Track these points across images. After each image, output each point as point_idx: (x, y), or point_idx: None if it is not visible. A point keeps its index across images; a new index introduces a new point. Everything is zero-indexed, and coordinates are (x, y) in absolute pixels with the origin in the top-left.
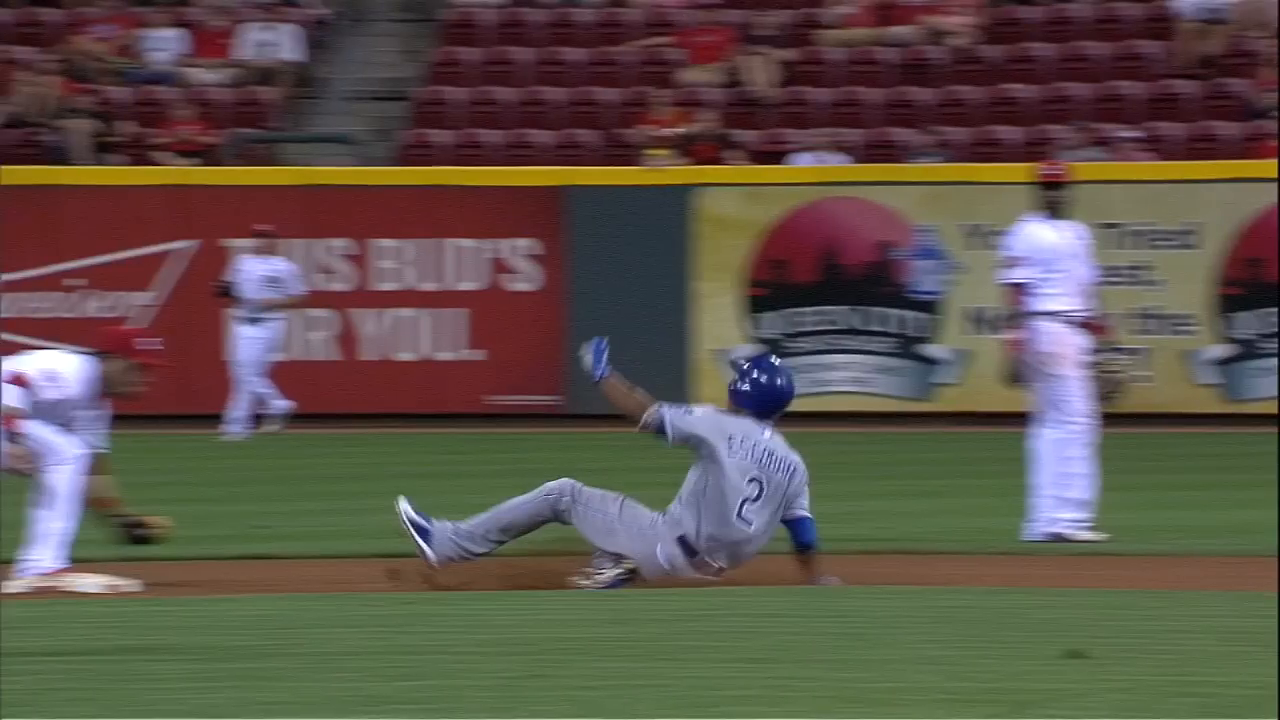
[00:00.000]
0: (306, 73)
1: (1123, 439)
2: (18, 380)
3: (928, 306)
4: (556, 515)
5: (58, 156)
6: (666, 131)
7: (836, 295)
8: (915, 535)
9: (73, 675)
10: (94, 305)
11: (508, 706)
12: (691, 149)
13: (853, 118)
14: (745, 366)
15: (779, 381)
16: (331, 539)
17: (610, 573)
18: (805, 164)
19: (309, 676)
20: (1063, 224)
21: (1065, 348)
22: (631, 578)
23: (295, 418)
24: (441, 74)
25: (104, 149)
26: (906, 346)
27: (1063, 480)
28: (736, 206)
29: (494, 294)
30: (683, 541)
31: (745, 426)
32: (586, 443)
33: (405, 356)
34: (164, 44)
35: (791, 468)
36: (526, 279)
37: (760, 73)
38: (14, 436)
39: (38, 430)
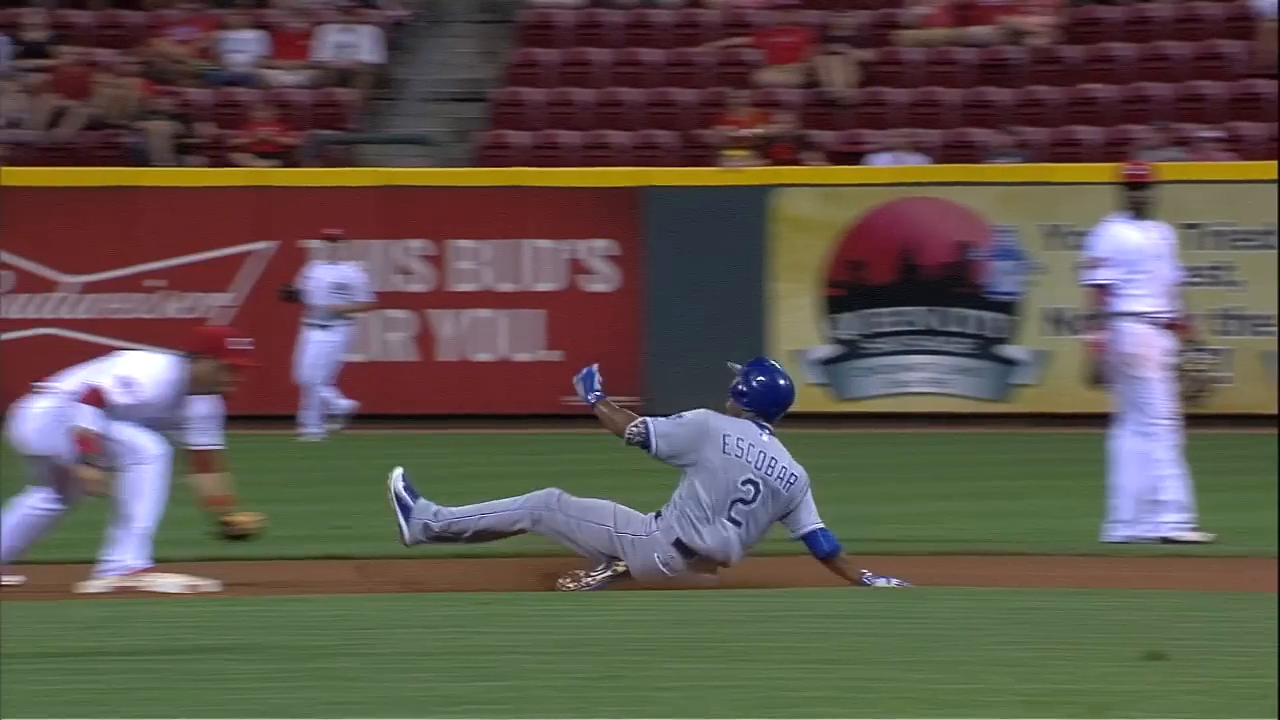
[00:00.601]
0: (385, 74)
1: (1202, 440)
2: (92, 398)
3: (1006, 307)
4: (534, 524)
5: (138, 158)
6: (744, 132)
7: (914, 296)
8: (991, 536)
9: (151, 675)
10: (173, 306)
11: (582, 707)
12: (769, 150)
13: (931, 118)
14: (745, 368)
15: (779, 383)
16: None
17: (601, 575)
18: (883, 164)
19: (385, 676)
20: (1147, 224)
21: (1149, 349)
22: (621, 577)
23: (373, 418)
24: (519, 75)
25: (184, 150)
26: (985, 347)
27: (1152, 483)
28: (814, 207)
29: (571, 295)
30: (679, 544)
31: (744, 428)
32: None
33: (483, 357)
34: (243, 46)
35: (792, 477)
36: (604, 280)
37: (838, 73)
38: (89, 460)
39: (120, 431)
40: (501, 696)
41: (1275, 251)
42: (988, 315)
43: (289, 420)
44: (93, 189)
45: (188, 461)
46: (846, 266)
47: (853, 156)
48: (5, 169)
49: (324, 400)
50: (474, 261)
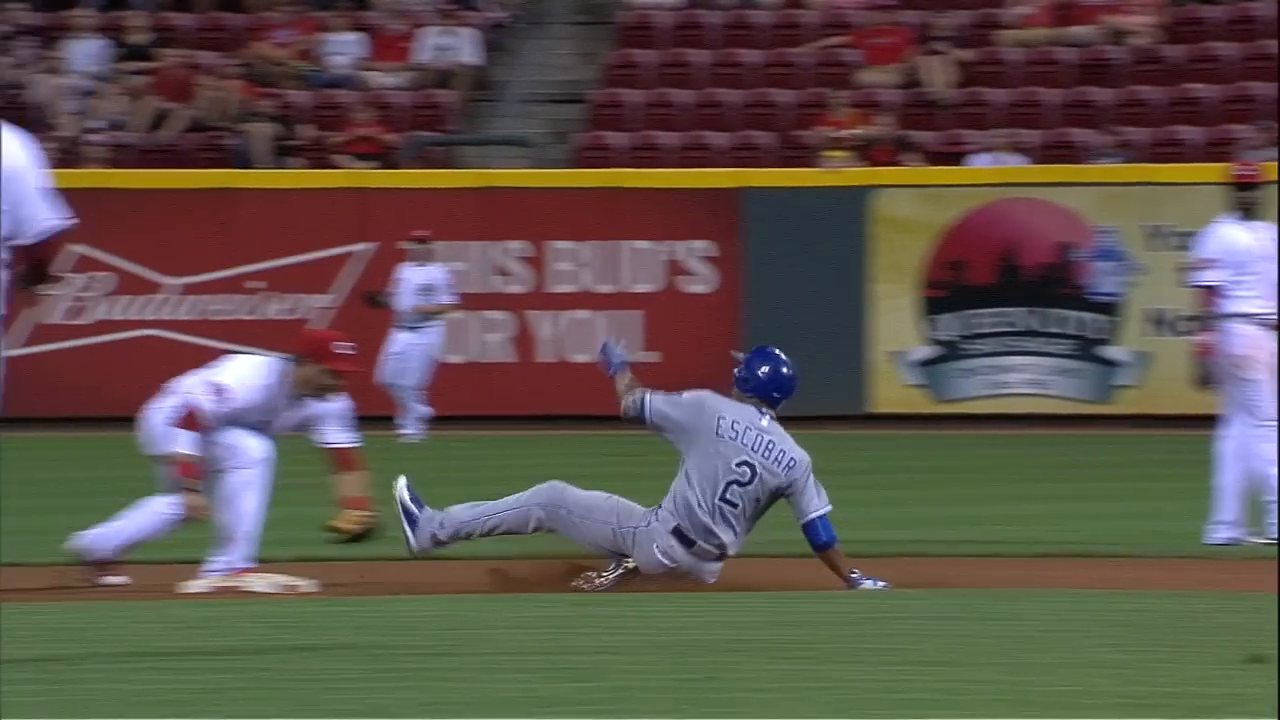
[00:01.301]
0: (484, 76)
1: None
2: (187, 422)
3: (1107, 308)
4: (538, 525)
5: (239, 160)
6: (843, 133)
7: (1014, 297)
8: (1092, 538)
9: (250, 675)
10: (274, 308)
11: (680, 708)
12: (869, 151)
13: (1032, 118)
14: (748, 355)
15: (782, 370)
16: (506, 541)
17: (614, 573)
18: (983, 165)
19: (482, 677)
20: (1256, 225)
21: (1257, 350)
22: (632, 573)
23: (471, 419)
24: (618, 76)
25: (284, 152)
26: (1086, 348)
27: (1264, 485)
28: (913, 208)
29: (669, 296)
30: (678, 533)
31: (743, 411)
32: None
33: (581, 358)
34: (343, 48)
35: (791, 461)
36: (702, 281)
37: (938, 73)
38: (186, 485)
39: (224, 434)
40: (597, 697)
41: None
42: (1088, 316)
43: (387, 422)
44: (194, 191)
45: (326, 461)
46: (946, 267)
47: (952, 157)
48: (108, 171)
49: (405, 403)
50: (572, 263)
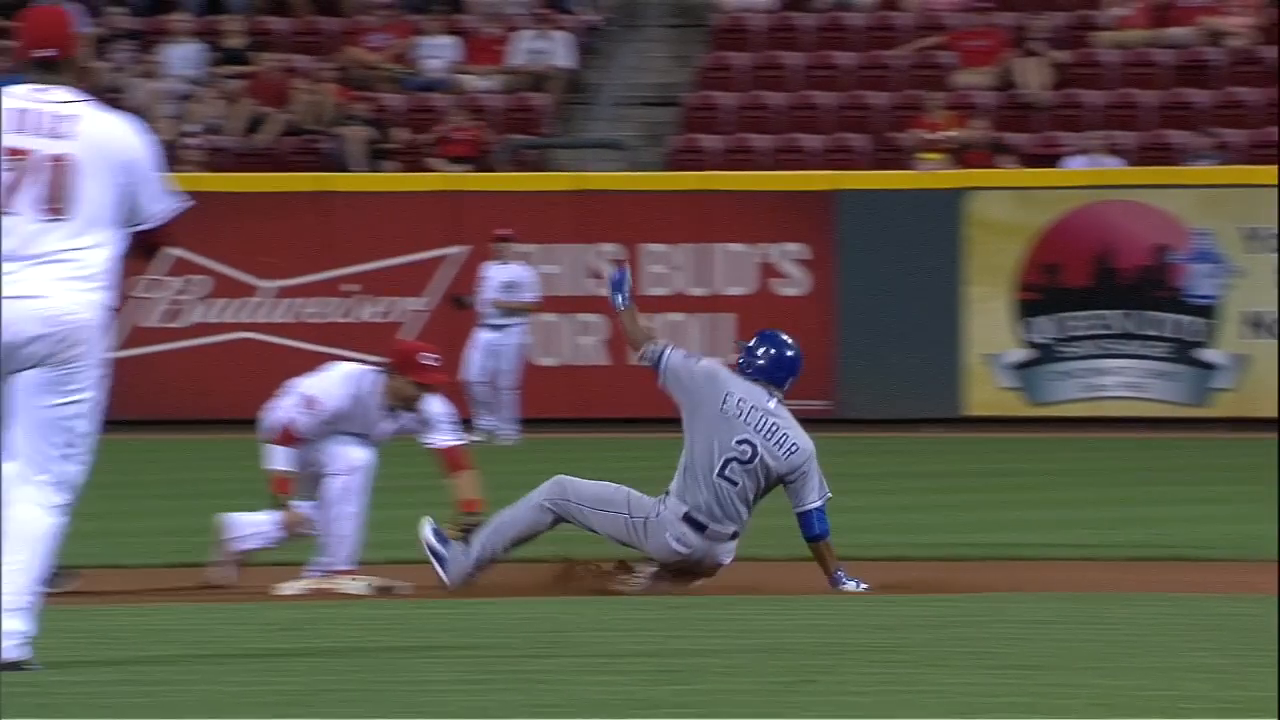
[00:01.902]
0: (578, 78)
1: None
2: (283, 438)
3: (1204, 311)
4: (555, 521)
5: (334, 163)
6: (938, 135)
7: (1110, 299)
8: (1188, 542)
9: (346, 677)
10: (369, 311)
11: (777, 711)
12: (963, 153)
13: (1128, 120)
14: (752, 340)
15: (786, 353)
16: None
17: (647, 575)
18: (1079, 167)
19: (578, 679)
20: None
21: None
22: (664, 574)
23: (565, 422)
24: (712, 79)
25: (379, 156)
26: (1182, 351)
27: None
28: (1008, 210)
29: (762, 298)
30: (689, 519)
31: (750, 390)
32: (857, 447)
33: None
34: (438, 51)
35: (794, 446)
36: (795, 283)
37: (1034, 75)
38: (282, 501)
39: (323, 441)
40: (694, 700)
41: None
42: (1185, 319)
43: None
44: (289, 194)
45: (436, 464)
46: (1041, 270)
47: (1048, 159)
48: (204, 175)
49: (481, 405)
50: (666, 265)
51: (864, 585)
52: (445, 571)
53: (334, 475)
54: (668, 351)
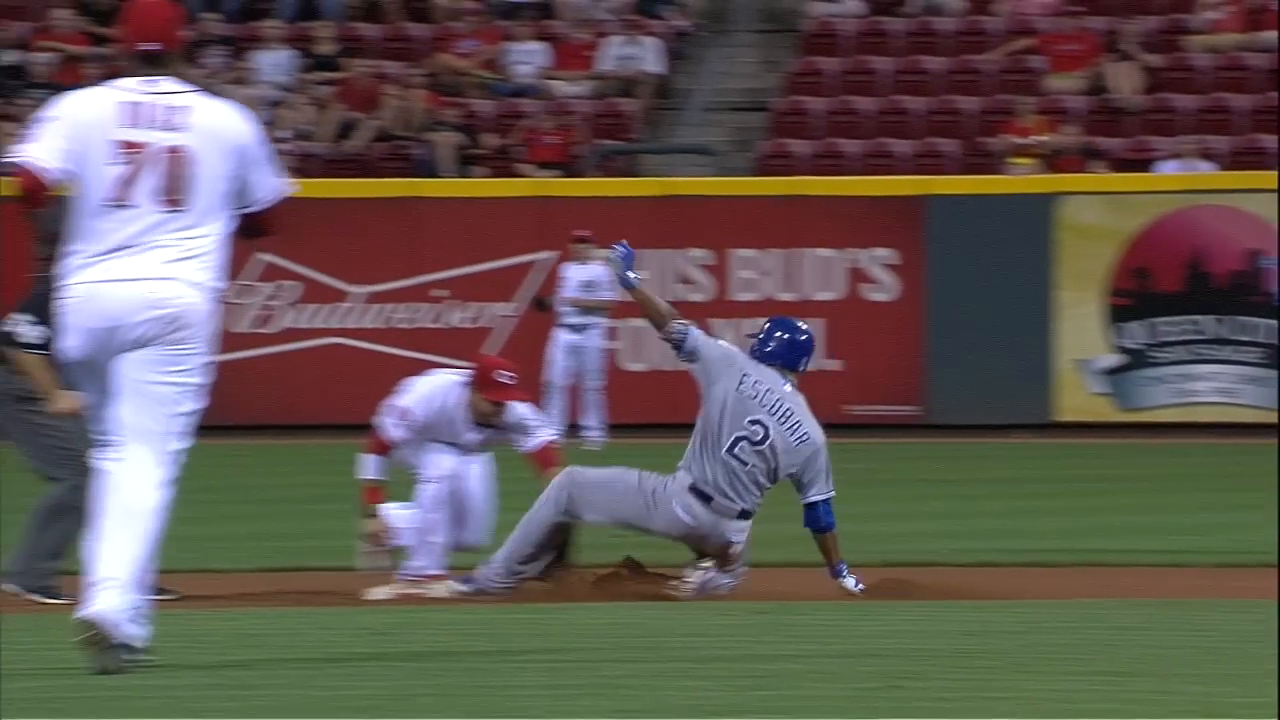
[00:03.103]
0: (667, 84)
1: None
2: (375, 446)
3: None
4: (570, 516)
5: (424, 169)
6: (1029, 140)
7: (1202, 304)
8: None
9: (435, 681)
10: (458, 316)
11: (864, 717)
12: (1054, 158)
13: (1221, 125)
14: (765, 326)
15: (800, 337)
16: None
17: (697, 577)
18: (1171, 172)
19: (662, 684)
20: None
21: None
22: (715, 574)
23: (654, 427)
24: (801, 84)
25: (468, 161)
26: (1274, 356)
27: None
28: (1099, 215)
29: (851, 304)
30: (695, 490)
31: (766, 373)
32: (946, 453)
33: None
34: (528, 57)
35: (805, 435)
36: (884, 289)
37: (1125, 79)
38: (369, 511)
39: (415, 450)
40: (779, 705)
41: None
42: (1277, 324)
43: (574, 429)
44: (379, 200)
45: (531, 466)
46: (1132, 275)
47: (1140, 164)
48: (294, 181)
49: (553, 406)
50: (755, 271)
51: (861, 586)
52: (468, 585)
53: (425, 482)
54: (692, 330)
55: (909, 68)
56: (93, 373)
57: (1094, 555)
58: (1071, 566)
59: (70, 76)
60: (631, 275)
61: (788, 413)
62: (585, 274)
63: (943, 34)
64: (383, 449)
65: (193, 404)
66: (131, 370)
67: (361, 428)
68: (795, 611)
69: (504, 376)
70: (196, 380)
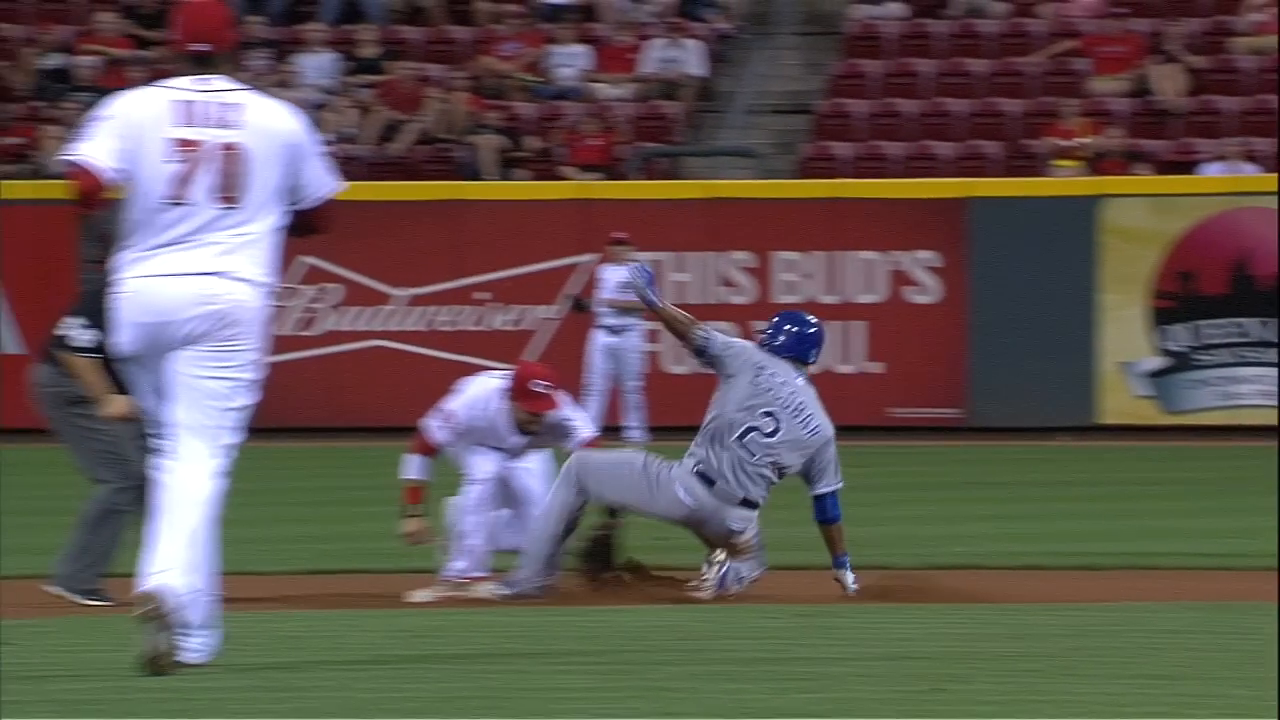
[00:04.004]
0: (709, 86)
1: None
2: (419, 446)
3: None
4: (582, 497)
5: (466, 172)
6: (1072, 142)
7: (1247, 306)
8: None
9: (479, 683)
10: (500, 319)
11: (908, 718)
12: (1098, 161)
13: (1265, 126)
14: (774, 320)
15: (809, 330)
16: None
17: (715, 573)
18: (1215, 174)
19: (705, 686)
20: None
21: None
22: (730, 566)
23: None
24: (844, 86)
25: (510, 164)
26: None
27: None
28: (1143, 217)
29: (894, 306)
30: (699, 474)
31: (780, 366)
32: (989, 456)
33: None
34: (570, 60)
35: (816, 428)
36: (927, 291)
37: (1169, 82)
38: (410, 511)
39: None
40: (822, 709)
41: None
42: None
43: (612, 431)
44: (421, 203)
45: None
46: (1177, 277)
47: (1184, 166)
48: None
49: (597, 408)
50: (797, 273)
51: (856, 586)
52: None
53: (468, 484)
54: (713, 336)
55: (952, 70)
56: (145, 369)
57: (1138, 559)
58: (1116, 570)
59: (114, 80)
60: (653, 296)
61: (800, 406)
62: (622, 275)
63: (986, 36)
64: (426, 450)
65: (245, 399)
66: (183, 366)
67: (403, 430)
68: (838, 614)
69: (539, 386)
70: (249, 375)
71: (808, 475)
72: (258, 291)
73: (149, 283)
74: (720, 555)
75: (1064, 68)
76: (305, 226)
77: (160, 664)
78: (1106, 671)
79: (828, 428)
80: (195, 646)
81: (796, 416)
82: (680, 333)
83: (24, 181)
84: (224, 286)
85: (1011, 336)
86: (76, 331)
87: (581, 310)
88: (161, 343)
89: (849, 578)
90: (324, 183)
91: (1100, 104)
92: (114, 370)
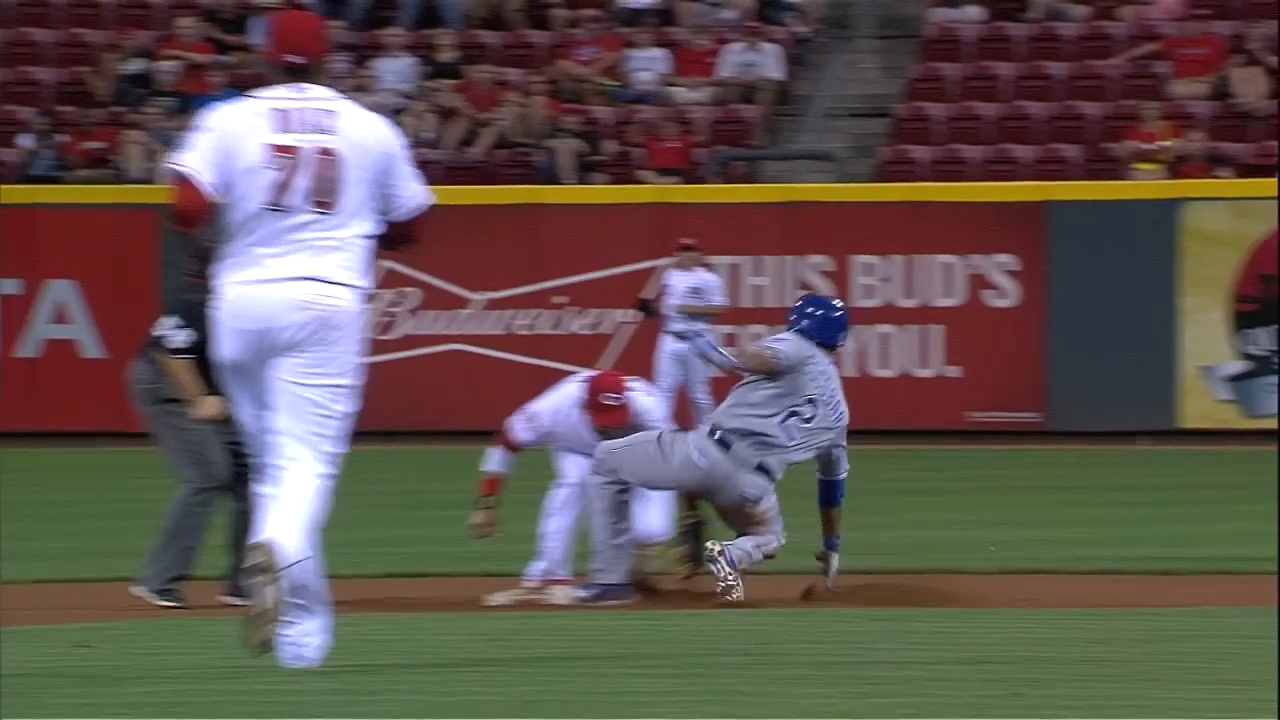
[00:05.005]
0: (788, 90)
1: None
2: (503, 440)
3: None
4: (618, 484)
5: (544, 176)
6: (1153, 146)
7: None
8: None
9: (557, 687)
10: (578, 323)
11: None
12: (1179, 164)
13: None
14: (799, 305)
15: (834, 314)
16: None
17: (725, 557)
18: None
19: (784, 690)
20: None
21: None
22: (741, 543)
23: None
24: (922, 90)
25: (588, 168)
26: None
27: None
28: (1224, 221)
29: (972, 310)
30: (715, 436)
31: (819, 354)
32: (1068, 460)
33: (883, 373)
34: (648, 64)
35: (841, 414)
36: (1005, 295)
37: (1251, 84)
38: (484, 503)
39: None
40: (900, 713)
41: None
42: None
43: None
44: (499, 206)
45: None
46: (1258, 281)
47: (1265, 169)
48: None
49: (702, 411)
50: (875, 277)
51: (833, 581)
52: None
53: (554, 487)
54: (782, 354)
55: (1031, 73)
56: (245, 377)
57: (1218, 563)
58: (1195, 575)
59: (195, 85)
60: (729, 359)
61: (833, 392)
62: (692, 280)
63: (1065, 39)
64: (509, 446)
65: (346, 405)
66: (284, 374)
67: (481, 433)
68: (915, 618)
69: (610, 400)
70: (349, 381)
71: (827, 460)
72: (355, 296)
73: (249, 289)
74: (715, 548)
75: (1144, 70)
76: (396, 239)
77: (265, 621)
78: (1184, 676)
79: (847, 414)
80: (308, 644)
81: (829, 403)
82: (765, 372)
83: (105, 186)
84: (323, 291)
85: (1091, 340)
86: (171, 332)
87: (649, 315)
88: (262, 350)
89: (835, 562)
90: (416, 194)
91: (1181, 107)
92: (207, 372)
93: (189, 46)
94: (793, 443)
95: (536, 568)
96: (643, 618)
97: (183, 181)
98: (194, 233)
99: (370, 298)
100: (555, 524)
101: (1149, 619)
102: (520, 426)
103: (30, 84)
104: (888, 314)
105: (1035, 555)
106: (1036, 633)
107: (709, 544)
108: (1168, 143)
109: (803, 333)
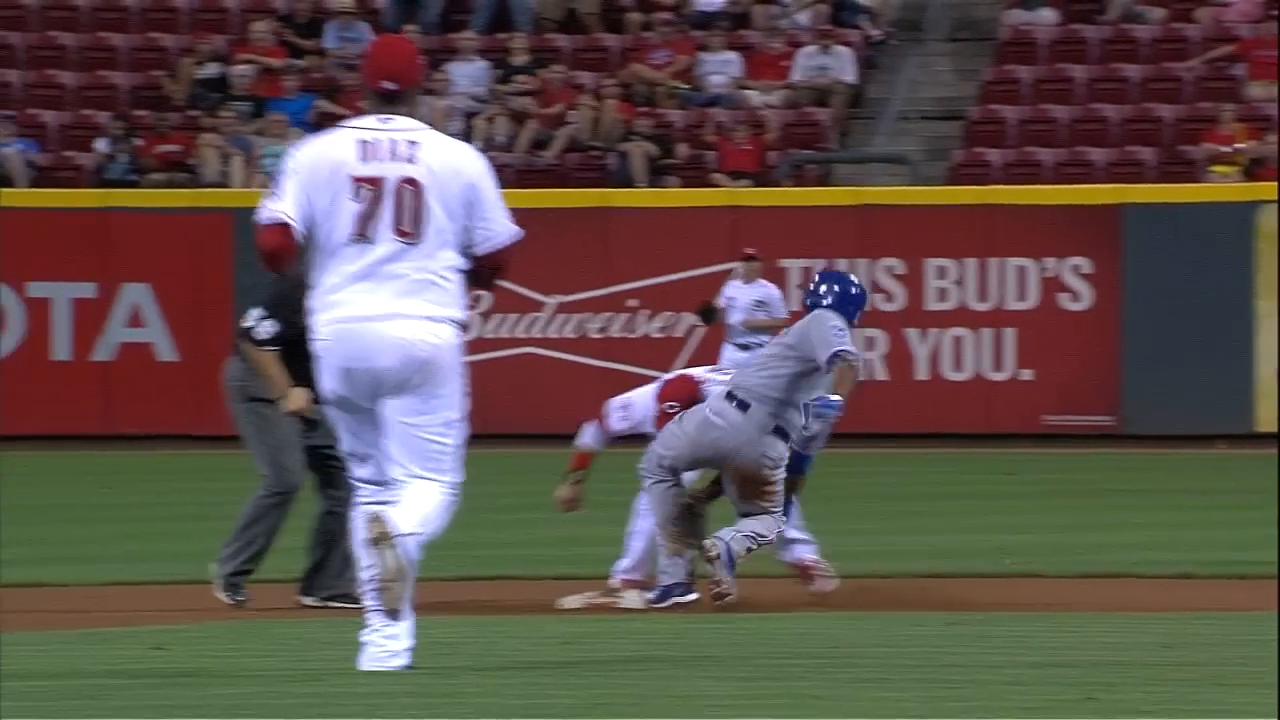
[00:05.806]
0: (861, 93)
1: None
2: (601, 424)
3: None
4: (679, 480)
5: (617, 179)
6: (1229, 148)
7: None
8: None
9: (621, 690)
10: (649, 326)
11: None
12: (1256, 170)
13: None
14: (816, 281)
15: (852, 290)
16: (883, 559)
17: (721, 569)
18: None
19: (857, 692)
20: None
21: None
22: (731, 533)
23: (847, 437)
24: (996, 92)
25: (660, 171)
26: None
27: None
28: None
29: (1045, 313)
30: (733, 398)
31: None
32: (1143, 463)
33: (956, 376)
34: (721, 67)
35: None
36: (1079, 298)
37: None
38: (573, 477)
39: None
40: (973, 716)
41: None
42: None
43: None
44: (572, 210)
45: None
46: None
47: None
48: None
49: None
50: (948, 280)
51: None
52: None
53: (643, 487)
54: (854, 353)
55: (1106, 75)
56: (349, 410)
57: None
58: (1269, 579)
59: (269, 89)
60: (839, 408)
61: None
62: (755, 293)
63: (1141, 41)
64: (604, 426)
65: (456, 437)
66: (394, 414)
67: (553, 437)
68: (988, 622)
69: (673, 409)
70: (457, 415)
71: (812, 436)
72: (453, 331)
73: (346, 329)
74: (713, 551)
75: (1220, 72)
76: (484, 273)
77: (393, 583)
78: (1257, 680)
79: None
80: (394, 648)
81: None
82: (855, 388)
83: (180, 190)
84: (421, 330)
85: (1166, 343)
86: (256, 323)
87: (710, 322)
88: (366, 388)
89: (794, 508)
90: (503, 227)
91: (1257, 109)
92: (295, 363)
93: (263, 50)
94: (813, 420)
95: (621, 565)
96: (714, 621)
97: (270, 225)
98: (282, 270)
99: (465, 328)
100: (642, 524)
101: (1221, 623)
102: (616, 415)
103: (106, 88)
104: (961, 317)
105: (1109, 559)
106: (1109, 636)
107: (708, 543)
108: (1243, 145)
109: (825, 308)
